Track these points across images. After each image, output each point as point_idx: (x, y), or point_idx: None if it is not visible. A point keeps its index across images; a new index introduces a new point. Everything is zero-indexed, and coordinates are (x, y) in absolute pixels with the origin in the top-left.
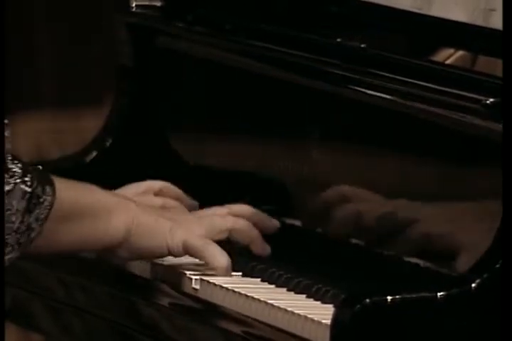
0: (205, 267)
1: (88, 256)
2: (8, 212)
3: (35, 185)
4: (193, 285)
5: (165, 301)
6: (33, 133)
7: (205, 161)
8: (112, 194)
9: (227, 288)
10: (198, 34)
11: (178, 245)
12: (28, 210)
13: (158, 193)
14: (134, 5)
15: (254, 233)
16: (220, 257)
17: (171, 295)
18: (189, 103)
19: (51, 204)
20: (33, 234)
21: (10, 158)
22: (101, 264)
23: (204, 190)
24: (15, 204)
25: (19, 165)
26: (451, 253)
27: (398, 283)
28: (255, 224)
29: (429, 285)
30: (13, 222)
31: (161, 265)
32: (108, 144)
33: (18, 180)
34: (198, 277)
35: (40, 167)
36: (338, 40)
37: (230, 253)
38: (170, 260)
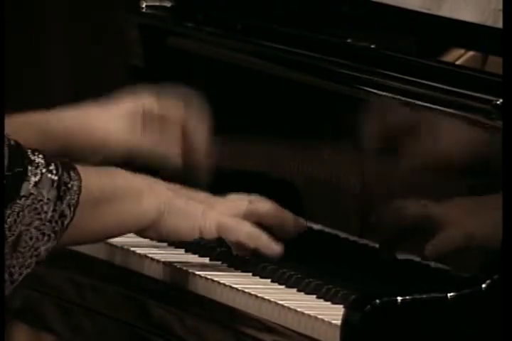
0: (216, 266)
1: (99, 256)
2: (41, 203)
3: (60, 172)
4: (204, 286)
5: (175, 302)
6: None
7: (215, 161)
8: (141, 177)
9: (237, 289)
10: (208, 34)
11: (211, 226)
12: (60, 198)
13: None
14: (144, 5)
15: (284, 216)
16: (256, 235)
17: (181, 296)
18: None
19: (79, 189)
20: (66, 221)
21: (30, 151)
22: (112, 265)
23: (212, 190)
24: (45, 193)
25: (40, 156)
26: (461, 253)
27: (408, 283)
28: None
29: (440, 285)
30: (46, 212)
31: (172, 265)
32: None
33: (43, 170)
34: (208, 277)
35: None
36: (349, 40)
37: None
38: (179, 260)
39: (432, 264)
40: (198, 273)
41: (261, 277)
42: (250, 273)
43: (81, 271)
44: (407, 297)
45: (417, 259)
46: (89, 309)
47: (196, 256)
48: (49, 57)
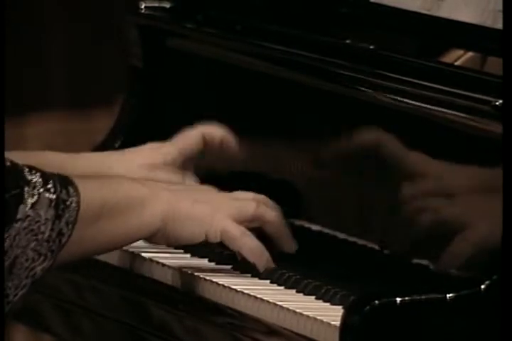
0: (214, 269)
1: (98, 257)
2: (38, 224)
3: (58, 189)
4: (203, 287)
5: (175, 303)
6: (45, 134)
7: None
8: (141, 184)
9: (236, 290)
10: (208, 35)
11: (217, 232)
12: (58, 217)
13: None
14: (143, 6)
15: (285, 229)
16: (258, 252)
17: (180, 297)
18: (199, 103)
19: (78, 205)
20: (64, 239)
21: (27, 170)
22: (110, 266)
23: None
24: (42, 214)
25: (38, 174)
26: (460, 254)
27: (407, 284)
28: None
29: (439, 286)
30: (43, 233)
31: (171, 267)
32: (117, 145)
33: (41, 190)
34: (207, 278)
35: None
36: (348, 41)
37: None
38: (179, 261)
39: (431, 265)
40: (196, 274)
41: (260, 278)
42: (249, 274)
43: (80, 272)
44: (407, 298)
45: (417, 260)
46: (88, 310)
47: (196, 257)
48: (49, 57)
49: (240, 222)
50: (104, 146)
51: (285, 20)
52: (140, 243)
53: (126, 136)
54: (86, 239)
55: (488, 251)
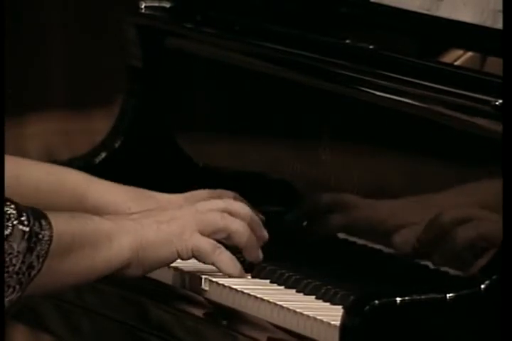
0: (214, 268)
1: None
2: (10, 256)
3: (31, 222)
4: (203, 287)
5: (174, 303)
6: (44, 134)
7: (213, 162)
8: (106, 218)
9: (236, 290)
10: (207, 35)
11: (188, 250)
12: (30, 249)
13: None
14: (143, 6)
15: (251, 239)
16: (231, 264)
17: (180, 297)
18: (198, 104)
19: (50, 238)
20: (33, 272)
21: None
22: None
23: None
24: (15, 246)
25: (12, 206)
26: (460, 254)
27: (407, 284)
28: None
29: (439, 286)
30: (14, 265)
31: (170, 267)
32: (117, 145)
33: (15, 222)
34: (207, 278)
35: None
36: (347, 41)
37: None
38: (178, 262)
39: (431, 265)
40: (196, 274)
41: (260, 278)
42: (249, 274)
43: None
44: (406, 297)
45: (416, 260)
46: (88, 310)
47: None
48: (49, 57)
49: (207, 234)
50: (104, 146)
51: (285, 20)
52: None
53: (126, 136)
54: (56, 271)
55: (488, 250)
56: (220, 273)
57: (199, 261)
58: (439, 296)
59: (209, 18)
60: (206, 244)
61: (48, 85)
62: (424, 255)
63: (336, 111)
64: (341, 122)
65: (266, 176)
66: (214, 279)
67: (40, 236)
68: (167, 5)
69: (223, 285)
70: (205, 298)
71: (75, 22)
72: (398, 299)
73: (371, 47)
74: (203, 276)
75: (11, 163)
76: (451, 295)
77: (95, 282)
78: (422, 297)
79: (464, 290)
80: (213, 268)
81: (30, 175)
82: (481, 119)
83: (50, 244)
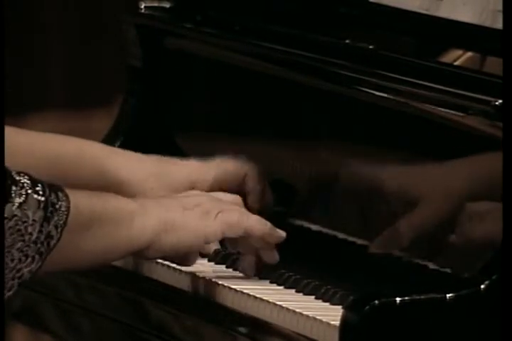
0: (214, 269)
1: None
2: (25, 224)
3: (47, 192)
4: (202, 287)
5: (174, 303)
6: None
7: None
8: (130, 199)
9: (235, 290)
10: (207, 35)
11: (217, 231)
12: (46, 219)
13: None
14: (143, 6)
15: (269, 234)
16: (262, 222)
17: (179, 297)
18: (198, 103)
19: (68, 209)
20: (52, 242)
21: (15, 172)
22: (111, 266)
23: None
24: (30, 215)
25: (26, 176)
26: (460, 254)
27: (407, 284)
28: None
29: (438, 286)
30: (30, 234)
31: (171, 267)
32: (117, 145)
33: (29, 190)
34: (207, 279)
35: None
36: (347, 41)
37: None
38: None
39: (431, 265)
40: (196, 274)
41: (259, 278)
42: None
43: (79, 271)
44: (406, 297)
45: (416, 260)
46: (88, 310)
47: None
48: (49, 57)
49: (227, 226)
50: None
51: (285, 20)
52: None
53: (126, 136)
54: (76, 247)
55: (489, 250)
56: (220, 274)
57: (229, 240)
58: (439, 296)
59: (209, 18)
60: (232, 215)
61: (48, 85)
62: (424, 255)
63: (335, 111)
64: (341, 122)
65: (266, 176)
66: (213, 279)
67: (57, 206)
68: (167, 5)
69: (223, 285)
70: (205, 298)
71: (74, 22)
72: (398, 299)
73: (371, 47)
74: (204, 277)
75: (24, 137)
76: (451, 295)
77: (95, 282)
78: (422, 297)
79: (463, 290)
80: (213, 269)
81: (46, 148)
82: (481, 119)
83: (67, 215)
